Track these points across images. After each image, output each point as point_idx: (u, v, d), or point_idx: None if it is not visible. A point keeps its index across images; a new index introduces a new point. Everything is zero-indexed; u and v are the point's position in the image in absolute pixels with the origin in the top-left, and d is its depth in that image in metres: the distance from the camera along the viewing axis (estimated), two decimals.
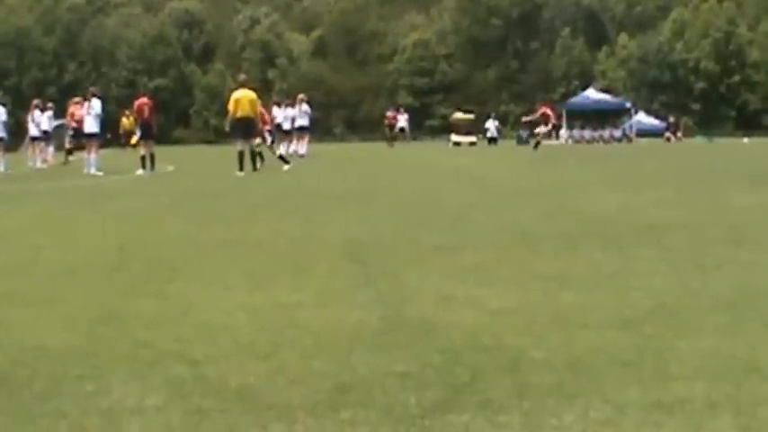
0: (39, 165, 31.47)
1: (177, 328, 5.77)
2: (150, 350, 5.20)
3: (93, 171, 24.52)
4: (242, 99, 23.82)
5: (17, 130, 37.98)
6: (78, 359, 5.01)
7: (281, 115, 35.87)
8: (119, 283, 7.41)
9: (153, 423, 3.98)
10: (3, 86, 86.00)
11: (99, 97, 26.35)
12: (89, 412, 4.13)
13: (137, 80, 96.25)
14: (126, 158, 28.31)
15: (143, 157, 25.05)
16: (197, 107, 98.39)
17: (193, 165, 29.49)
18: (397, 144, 52.94)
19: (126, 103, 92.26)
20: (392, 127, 56.22)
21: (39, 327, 5.83)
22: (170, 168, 26.32)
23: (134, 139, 40.18)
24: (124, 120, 45.32)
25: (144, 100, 26.42)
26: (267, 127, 27.51)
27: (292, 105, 36.80)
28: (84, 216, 13.30)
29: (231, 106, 24.03)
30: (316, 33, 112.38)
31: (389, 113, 58.89)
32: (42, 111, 33.08)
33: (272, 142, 27.83)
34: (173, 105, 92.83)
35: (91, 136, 25.38)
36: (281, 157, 25.84)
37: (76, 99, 32.15)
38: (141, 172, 24.56)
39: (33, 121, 31.65)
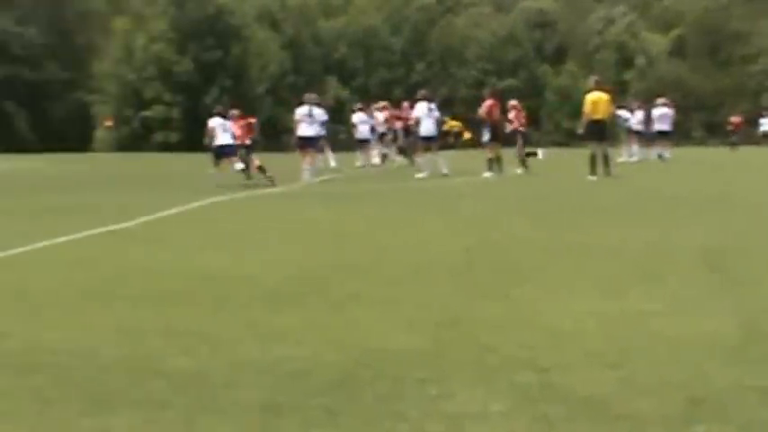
0: (375, 161, 32.67)
1: (524, 333, 5.77)
2: (496, 355, 5.23)
3: (444, 170, 25.18)
4: (598, 101, 23.69)
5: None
6: (421, 362, 5.12)
7: (634, 119, 35.43)
8: (465, 286, 7.53)
9: (497, 429, 4.00)
10: (350, 86, 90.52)
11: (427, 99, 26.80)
12: (431, 416, 4.20)
13: (486, 80, 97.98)
14: (473, 160, 28.83)
15: (490, 160, 25.47)
16: (548, 109, 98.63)
17: (543, 168, 29.53)
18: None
19: (473, 104, 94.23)
20: (735, 131, 54.55)
21: (382, 328, 6.02)
22: (519, 171, 26.51)
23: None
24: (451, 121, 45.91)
25: (492, 101, 26.82)
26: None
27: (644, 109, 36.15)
28: (429, 217, 13.66)
29: (587, 108, 23.96)
30: (674, 33, 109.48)
31: (734, 119, 56.97)
32: (380, 111, 34.39)
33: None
34: (523, 107, 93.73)
35: (428, 139, 26.05)
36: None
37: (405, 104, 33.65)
38: (488, 174, 24.97)
39: (366, 122, 32.82)
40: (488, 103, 26.90)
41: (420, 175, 24.65)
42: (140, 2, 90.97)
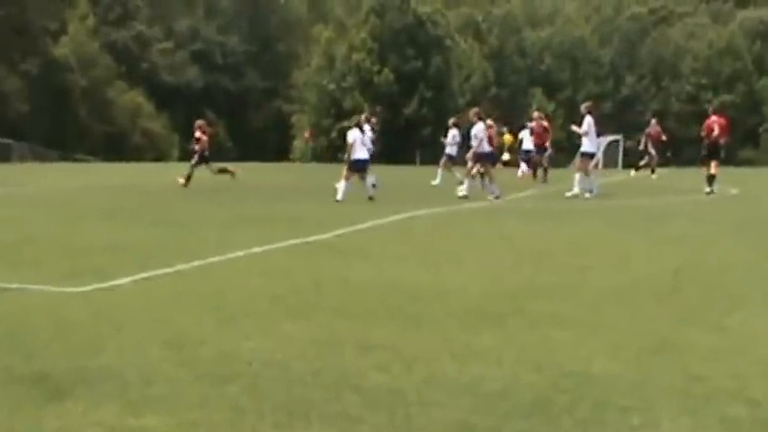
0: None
1: (736, 362, 5.62)
2: (704, 385, 5.11)
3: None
4: None
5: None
6: (624, 389, 5.05)
7: None
8: (672, 311, 7.38)
9: None
10: (556, 99, 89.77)
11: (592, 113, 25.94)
12: None
13: (700, 95, 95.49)
14: (690, 178, 28.12)
15: (711, 177, 24.84)
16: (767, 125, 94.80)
17: (762, 187, 28.55)
18: None
19: (686, 119, 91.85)
20: None
21: (583, 351, 5.97)
22: (734, 191, 25.72)
23: (505, 157, 40.29)
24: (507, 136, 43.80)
25: (714, 118, 26.13)
26: None
27: None
28: (635, 237, 13.41)
29: None
30: None
31: None
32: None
33: None
34: (740, 123, 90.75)
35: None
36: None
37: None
38: (708, 189, 24.41)
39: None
40: (712, 119, 26.19)
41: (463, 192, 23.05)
42: (342, 10, 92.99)
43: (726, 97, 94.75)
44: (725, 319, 7.00)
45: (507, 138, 44.60)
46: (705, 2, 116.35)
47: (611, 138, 76.18)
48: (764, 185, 30.95)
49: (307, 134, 70.30)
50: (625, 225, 15.69)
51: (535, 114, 36.51)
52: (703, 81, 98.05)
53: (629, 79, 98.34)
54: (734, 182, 30.57)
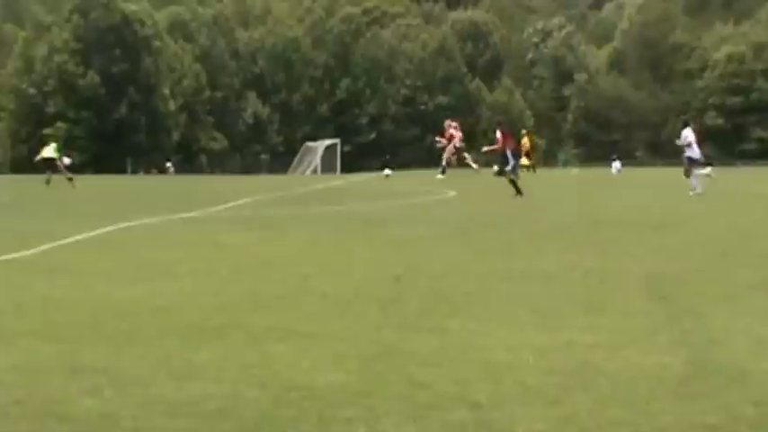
0: None
1: (457, 367, 5.80)
2: (428, 391, 5.24)
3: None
4: None
5: None
6: (349, 399, 5.11)
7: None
8: (394, 317, 7.54)
9: None
10: (271, 102, 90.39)
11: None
12: None
13: (417, 97, 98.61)
14: (408, 180, 28.88)
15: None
16: (482, 126, 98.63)
17: (475, 189, 29.76)
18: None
19: (404, 121, 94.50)
20: None
21: (305, 363, 5.99)
22: (451, 194, 26.69)
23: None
24: None
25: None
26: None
27: None
28: (357, 243, 13.65)
29: None
30: (611, 46, 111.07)
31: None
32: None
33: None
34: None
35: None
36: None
37: None
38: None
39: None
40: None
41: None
42: (41, 9, 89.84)
43: (442, 99, 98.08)
44: (446, 323, 7.20)
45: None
46: (417, 2, 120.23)
47: (328, 142, 77.45)
48: (477, 187, 32.23)
49: None
50: (347, 231, 15.95)
51: None
52: (419, 83, 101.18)
53: (345, 81, 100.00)
54: (450, 184, 31.74)
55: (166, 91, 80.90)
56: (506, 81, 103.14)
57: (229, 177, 35.26)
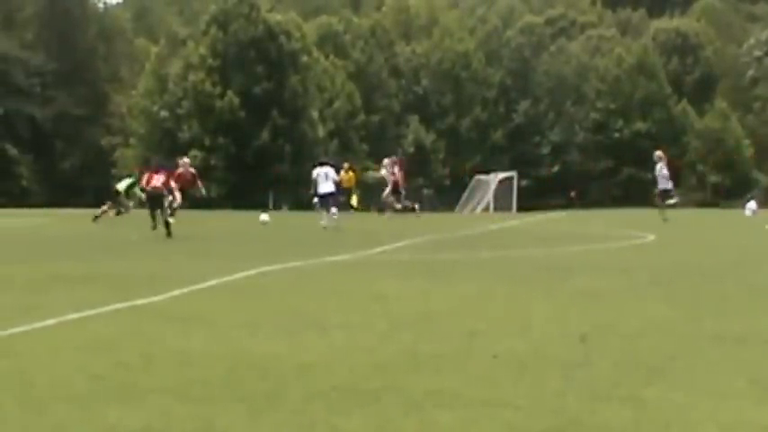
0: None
1: None
2: None
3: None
4: None
5: None
6: None
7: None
8: (579, 384, 7.48)
9: None
10: (436, 129, 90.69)
11: None
12: None
13: (609, 123, 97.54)
14: (595, 222, 28.68)
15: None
16: (689, 158, 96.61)
17: (679, 233, 29.33)
18: None
19: (592, 151, 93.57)
20: None
21: None
22: (650, 238, 26.37)
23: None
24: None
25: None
26: None
27: None
28: (533, 295, 13.59)
29: None
30: None
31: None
32: None
33: None
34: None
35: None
36: None
37: None
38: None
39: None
40: None
41: None
42: (176, 20, 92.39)
43: (640, 125, 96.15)
44: (643, 392, 7.12)
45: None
46: (612, 10, 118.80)
47: (503, 175, 77.36)
48: (682, 230, 31.78)
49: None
50: (523, 280, 15.89)
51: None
52: (612, 106, 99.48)
53: (524, 104, 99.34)
54: (648, 226, 31.34)
55: (315, 114, 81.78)
56: (720, 103, 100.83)
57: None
